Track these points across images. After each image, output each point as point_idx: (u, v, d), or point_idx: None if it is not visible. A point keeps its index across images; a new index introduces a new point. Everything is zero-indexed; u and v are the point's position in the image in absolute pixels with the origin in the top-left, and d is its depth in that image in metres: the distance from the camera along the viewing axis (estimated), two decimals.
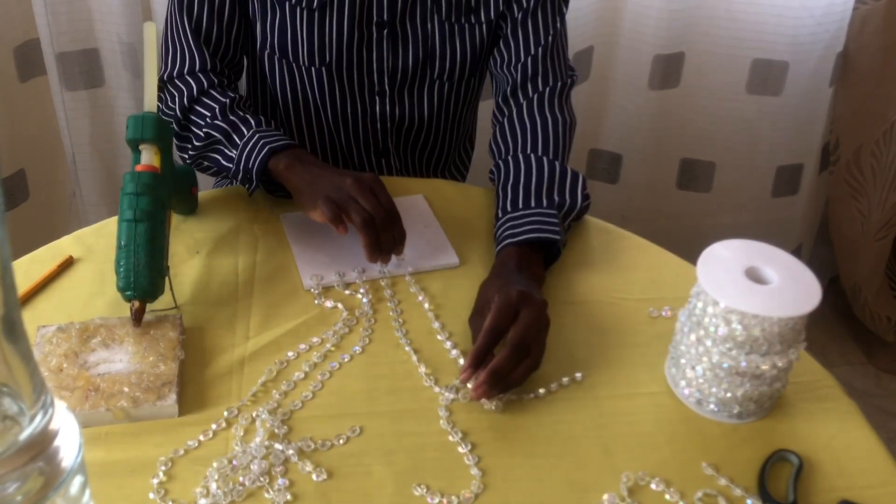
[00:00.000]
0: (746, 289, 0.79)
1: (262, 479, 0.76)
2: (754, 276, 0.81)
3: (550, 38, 1.13)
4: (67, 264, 0.99)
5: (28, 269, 0.97)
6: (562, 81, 1.14)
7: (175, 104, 1.09)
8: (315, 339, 0.91)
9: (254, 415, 0.82)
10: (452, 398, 0.85)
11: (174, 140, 1.09)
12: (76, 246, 1.01)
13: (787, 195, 1.94)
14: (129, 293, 0.87)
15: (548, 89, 1.13)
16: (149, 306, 0.89)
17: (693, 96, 1.83)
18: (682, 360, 0.84)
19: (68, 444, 0.51)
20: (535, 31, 1.13)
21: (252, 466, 0.77)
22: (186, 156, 1.11)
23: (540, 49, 1.13)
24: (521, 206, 1.01)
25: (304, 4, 1.10)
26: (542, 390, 0.86)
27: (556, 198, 1.03)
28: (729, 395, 0.82)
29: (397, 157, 1.26)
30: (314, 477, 0.77)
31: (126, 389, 0.81)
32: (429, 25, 1.13)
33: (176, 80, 1.11)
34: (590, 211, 1.08)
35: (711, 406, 0.84)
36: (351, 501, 0.75)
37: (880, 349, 2.01)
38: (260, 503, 0.74)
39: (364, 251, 0.95)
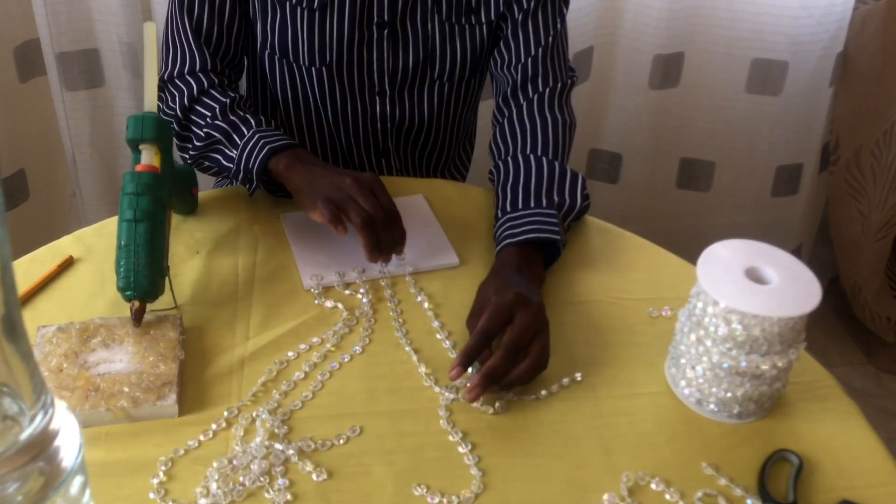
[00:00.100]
0: (746, 289, 0.79)
1: (262, 479, 0.76)
2: (754, 276, 0.81)
3: (551, 38, 1.13)
4: (67, 264, 0.99)
5: (28, 269, 0.97)
6: (562, 82, 1.14)
7: (175, 104, 1.09)
8: (315, 339, 0.91)
9: (254, 415, 0.82)
10: (452, 398, 0.85)
11: (175, 140, 1.09)
12: (76, 246, 1.01)
13: (787, 195, 1.94)
14: (129, 293, 0.87)
15: (548, 90, 1.13)
16: (149, 306, 0.89)
17: (693, 96, 1.83)
18: (682, 360, 0.84)
19: (68, 444, 0.51)
20: (535, 32, 1.13)
21: (252, 466, 0.77)
22: (187, 156, 1.11)
23: (540, 50, 1.13)
24: (520, 206, 1.01)
25: (304, 4, 1.10)
26: (543, 392, 0.86)
27: (556, 198, 1.03)
28: (729, 394, 0.82)
29: (397, 158, 1.26)
30: (314, 477, 0.77)
31: (126, 389, 0.81)
32: (429, 26, 1.13)
33: (176, 80, 1.11)
34: (590, 211, 1.08)
35: (711, 406, 0.84)
36: (351, 501, 0.75)
37: (880, 349, 2.01)
38: (260, 503, 0.74)
39: (364, 251, 0.95)
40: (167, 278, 0.91)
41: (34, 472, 0.48)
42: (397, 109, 1.20)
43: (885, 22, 1.72)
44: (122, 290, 0.87)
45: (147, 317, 0.88)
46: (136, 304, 0.87)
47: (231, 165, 1.05)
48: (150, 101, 0.98)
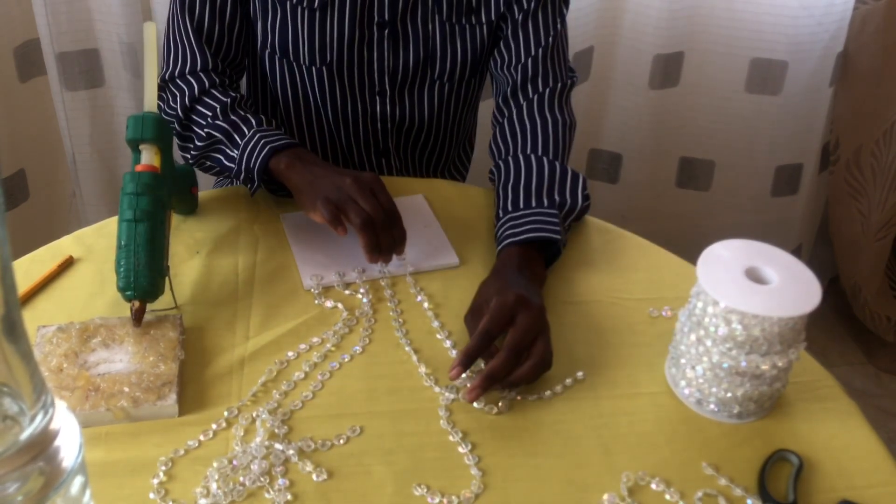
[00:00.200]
0: (746, 289, 0.79)
1: (262, 479, 0.76)
2: (754, 276, 0.81)
3: (551, 39, 1.13)
4: (67, 264, 0.99)
5: (28, 269, 0.97)
6: (562, 82, 1.14)
7: (176, 104, 1.09)
8: (315, 339, 0.91)
9: (254, 415, 0.82)
10: (452, 398, 0.85)
11: (176, 140, 1.09)
12: (76, 246, 1.01)
13: (786, 195, 1.94)
14: (129, 293, 0.87)
15: (548, 90, 1.13)
16: (149, 306, 0.89)
17: (693, 95, 1.83)
18: (682, 360, 0.84)
19: (69, 444, 0.51)
20: (535, 33, 1.13)
21: (252, 466, 0.77)
22: (188, 155, 1.11)
23: (540, 50, 1.13)
24: (521, 205, 1.01)
25: (304, 4, 1.10)
26: (546, 392, 0.86)
27: (557, 198, 1.03)
28: (729, 394, 0.82)
29: (397, 157, 1.26)
30: (314, 477, 0.77)
31: (126, 389, 0.81)
32: (429, 26, 1.13)
33: (177, 80, 1.11)
34: (590, 211, 1.08)
35: (711, 406, 0.84)
36: (351, 501, 0.75)
37: (880, 349, 2.01)
38: (260, 503, 0.74)
39: (364, 252, 0.95)
40: (167, 278, 0.91)
41: (34, 472, 0.48)
42: (397, 109, 1.20)
43: (885, 22, 1.72)
44: (122, 290, 0.87)
45: (147, 317, 0.88)
46: (136, 304, 0.87)
47: (232, 165, 1.05)
48: (150, 101, 0.98)
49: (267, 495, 0.75)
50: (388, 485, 0.76)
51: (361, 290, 0.97)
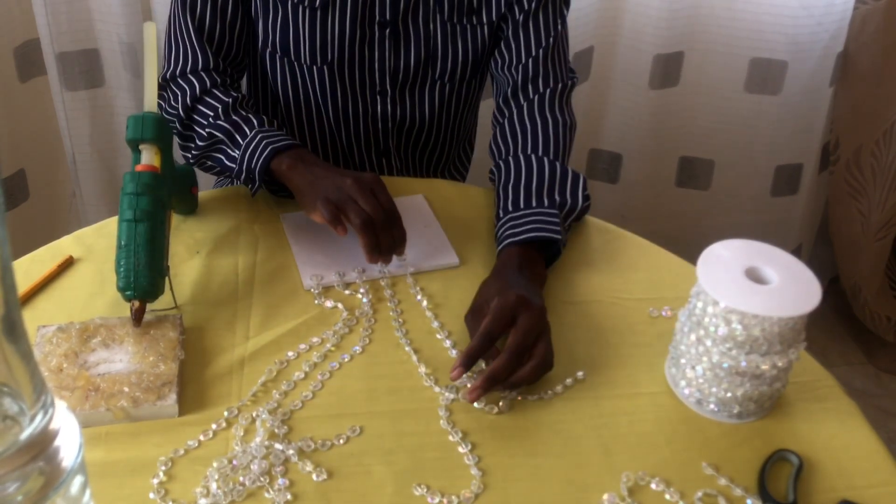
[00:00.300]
0: (746, 289, 0.79)
1: (262, 479, 0.76)
2: (754, 276, 0.81)
3: (551, 39, 1.13)
4: (67, 264, 0.99)
5: (28, 269, 0.97)
6: (562, 83, 1.14)
7: (178, 103, 1.09)
8: (315, 339, 0.91)
9: (254, 415, 0.82)
10: (452, 398, 0.85)
11: (177, 139, 1.09)
12: (76, 246, 1.01)
13: (786, 195, 1.94)
14: (129, 293, 0.87)
15: (548, 91, 1.13)
16: (149, 306, 0.89)
17: (692, 95, 1.83)
18: (682, 360, 0.84)
19: (68, 444, 0.51)
20: (535, 33, 1.13)
21: (252, 466, 0.77)
22: (189, 155, 1.11)
23: (541, 51, 1.13)
24: (521, 205, 1.01)
25: (305, 3, 1.10)
26: (547, 392, 0.86)
27: (557, 198, 1.03)
28: (729, 394, 0.82)
29: (398, 157, 1.26)
30: (314, 477, 0.77)
31: (126, 389, 0.81)
32: (431, 26, 1.13)
33: (178, 79, 1.11)
34: (590, 211, 1.08)
35: (711, 406, 0.84)
36: (351, 501, 0.75)
37: (880, 349, 2.01)
38: (260, 503, 0.74)
39: (364, 252, 0.95)
40: (167, 278, 0.91)
41: (34, 472, 0.48)
42: (398, 109, 1.20)
43: (885, 22, 1.72)
44: (122, 290, 0.87)
45: (147, 317, 0.88)
46: (136, 304, 0.87)
47: (233, 165, 1.05)
48: (151, 101, 0.98)
49: (267, 495, 0.75)
50: (388, 485, 0.76)
51: (361, 290, 0.97)
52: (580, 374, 0.88)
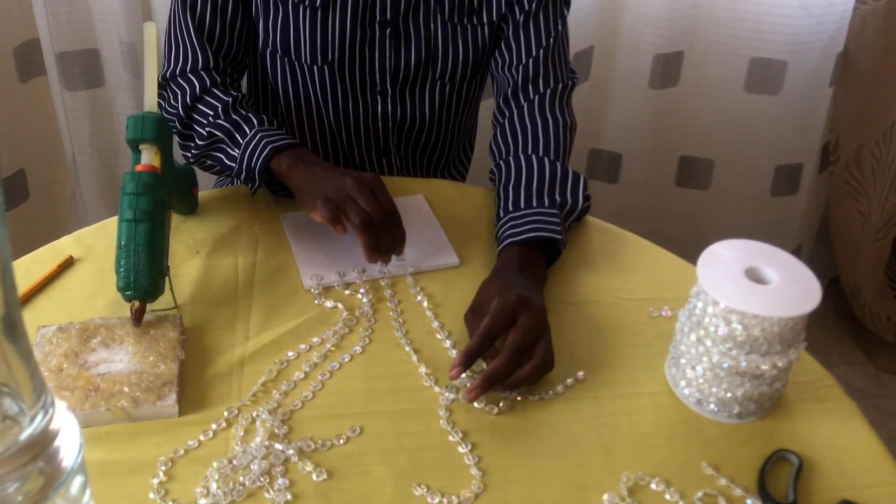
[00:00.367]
0: (746, 289, 0.79)
1: (262, 479, 0.76)
2: (754, 276, 0.81)
3: (552, 40, 1.13)
4: (67, 264, 0.99)
5: (28, 269, 0.97)
6: (563, 83, 1.14)
7: (177, 102, 1.09)
8: (315, 339, 0.91)
9: (254, 415, 0.82)
10: (452, 398, 0.85)
11: (177, 139, 1.09)
12: (76, 246, 1.01)
13: (786, 194, 1.94)
14: (129, 293, 0.87)
15: (549, 91, 1.13)
16: (149, 306, 0.89)
17: (692, 94, 1.83)
18: (683, 360, 0.84)
19: (68, 444, 0.51)
20: (536, 34, 1.13)
21: (252, 466, 0.77)
22: (189, 154, 1.11)
23: (541, 51, 1.13)
24: (522, 205, 1.01)
25: (306, 3, 1.10)
26: (547, 392, 0.86)
27: (558, 198, 1.03)
28: (729, 394, 0.82)
29: (398, 157, 1.26)
30: (314, 477, 0.77)
31: (126, 389, 0.81)
32: (431, 26, 1.13)
33: (178, 78, 1.11)
34: (590, 211, 1.08)
35: (711, 406, 0.84)
36: (351, 501, 0.75)
37: (880, 349, 2.01)
38: (260, 503, 0.74)
39: (363, 252, 0.95)
40: (167, 278, 0.91)
41: (34, 472, 0.48)
42: (398, 109, 1.20)
43: (885, 22, 1.72)
44: (122, 290, 0.87)
45: (147, 317, 0.88)
46: (136, 304, 0.87)
47: (233, 165, 1.05)
48: (151, 101, 0.98)
49: (267, 495, 0.75)
50: (388, 485, 0.76)
51: (361, 290, 0.97)
52: (580, 374, 0.88)
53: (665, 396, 0.86)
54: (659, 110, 1.84)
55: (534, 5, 1.13)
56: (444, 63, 1.16)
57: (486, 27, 1.15)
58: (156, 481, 0.75)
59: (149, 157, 0.94)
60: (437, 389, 0.86)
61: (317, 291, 0.97)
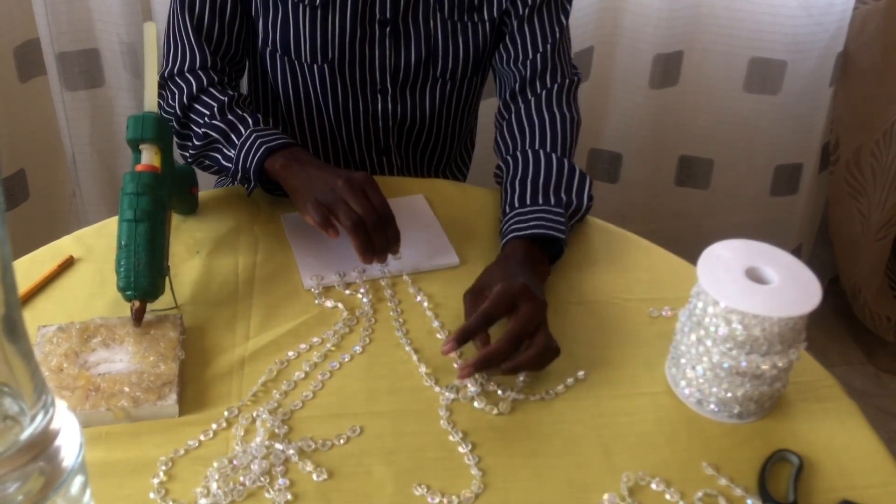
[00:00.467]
0: (747, 289, 0.79)
1: (262, 478, 0.76)
2: (754, 276, 0.81)
3: (558, 34, 1.14)
4: (67, 264, 0.99)
5: (28, 269, 0.97)
6: (569, 79, 1.15)
7: (175, 102, 1.09)
8: (315, 339, 0.91)
9: (254, 415, 0.82)
10: (453, 398, 0.85)
11: (175, 139, 1.09)
12: (76, 246, 1.01)
13: (786, 194, 1.94)
14: (129, 293, 0.87)
15: (556, 86, 1.13)
16: (149, 306, 0.89)
17: (692, 94, 1.83)
18: (683, 360, 0.84)
19: (69, 444, 0.51)
20: (541, 29, 1.14)
21: (252, 466, 0.77)
22: (187, 154, 1.11)
23: (548, 46, 1.14)
24: (528, 202, 1.02)
25: (306, 2, 1.10)
26: (548, 392, 0.86)
27: (564, 197, 1.03)
28: (729, 394, 0.82)
29: (398, 156, 1.26)
30: (314, 477, 0.77)
31: (126, 389, 0.81)
32: (431, 23, 1.13)
33: (176, 78, 1.11)
34: (590, 211, 1.08)
35: (712, 406, 0.84)
36: (351, 501, 0.75)
37: (880, 349, 2.01)
38: (260, 503, 0.74)
39: (357, 254, 0.94)
40: (167, 278, 0.91)
41: (35, 472, 0.48)
42: (399, 107, 1.20)
43: (885, 22, 1.72)
44: (122, 290, 0.87)
45: (147, 317, 0.88)
46: (137, 304, 0.87)
47: (230, 165, 1.05)
48: (151, 101, 0.98)
49: (267, 495, 0.75)
50: (388, 485, 0.76)
51: (361, 290, 0.97)
52: (580, 374, 0.88)
53: (665, 396, 0.86)
54: (659, 110, 1.84)
55: (538, 1, 1.13)
56: (444, 61, 1.16)
57: (486, 24, 1.15)
58: (156, 481, 0.75)
59: (149, 157, 0.94)
60: (437, 389, 0.86)
61: (317, 291, 0.97)
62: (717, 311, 0.79)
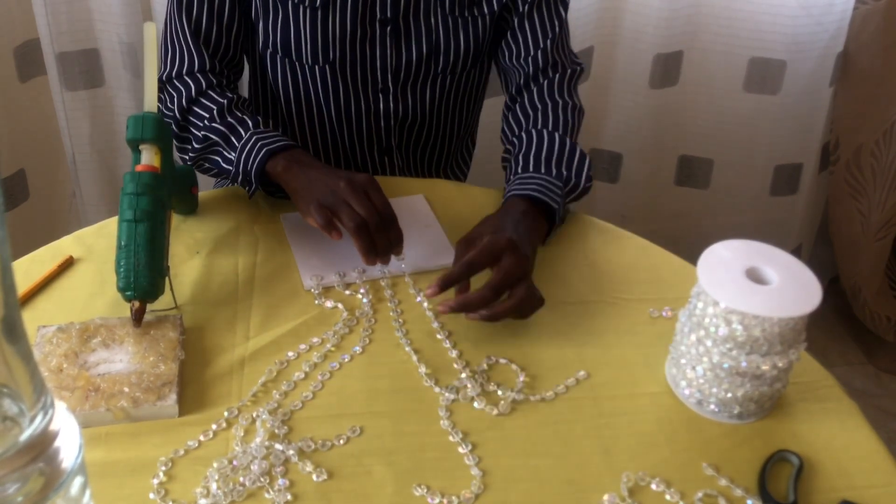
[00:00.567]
0: (747, 289, 0.79)
1: (262, 479, 0.76)
2: (754, 276, 0.81)
3: (558, 28, 1.16)
4: (67, 264, 0.99)
5: (28, 269, 0.97)
6: (570, 69, 1.18)
7: (174, 105, 1.09)
8: (315, 340, 0.91)
9: (254, 415, 0.82)
10: (453, 398, 0.85)
11: (174, 141, 1.09)
12: (76, 246, 1.01)
13: (786, 194, 1.94)
14: (129, 293, 0.87)
15: (557, 76, 1.16)
16: (149, 306, 0.89)
17: (692, 94, 1.83)
18: (683, 361, 0.84)
19: (68, 445, 0.51)
20: (541, 24, 1.16)
21: (252, 467, 0.77)
22: (187, 157, 1.11)
23: (548, 41, 1.15)
24: (531, 169, 1.05)
25: (306, 3, 1.10)
26: (550, 392, 0.86)
27: (564, 171, 1.05)
28: (729, 395, 0.82)
29: (400, 155, 1.26)
30: (314, 477, 0.77)
31: (126, 389, 0.81)
32: (432, 20, 1.14)
33: (175, 81, 1.11)
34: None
35: (712, 406, 0.84)
36: (351, 501, 0.75)
37: (880, 349, 2.01)
38: (260, 503, 0.74)
39: (360, 255, 0.95)
40: (167, 278, 0.91)
41: (34, 473, 0.48)
42: (400, 106, 1.20)
43: (885, 22, 1.72)
44: (122, 290, 0.87)
45: (147, 317, 0.88)
46: (136, 304, 0.87)
47: (230, 168, 1.05)
48: (150, 101, 0.98)
49: (267, 495, 0.75)
50: (388, 485, 0.76)
51: (361, 291, 0.97)
52: (580, 374, 0.88)
53: (665, 397, 0.86)
54: (659, 110, 1.84)
55: None
56: (445, 57, 1.16)
57: (486, 17, 1.15)
58: (156, 481, 0.75)
59: (149, 157, 0.94)
60: (437, 390, 0.86)
61: (317, 292, 0.97)
62: (717, 311, 0.79)
